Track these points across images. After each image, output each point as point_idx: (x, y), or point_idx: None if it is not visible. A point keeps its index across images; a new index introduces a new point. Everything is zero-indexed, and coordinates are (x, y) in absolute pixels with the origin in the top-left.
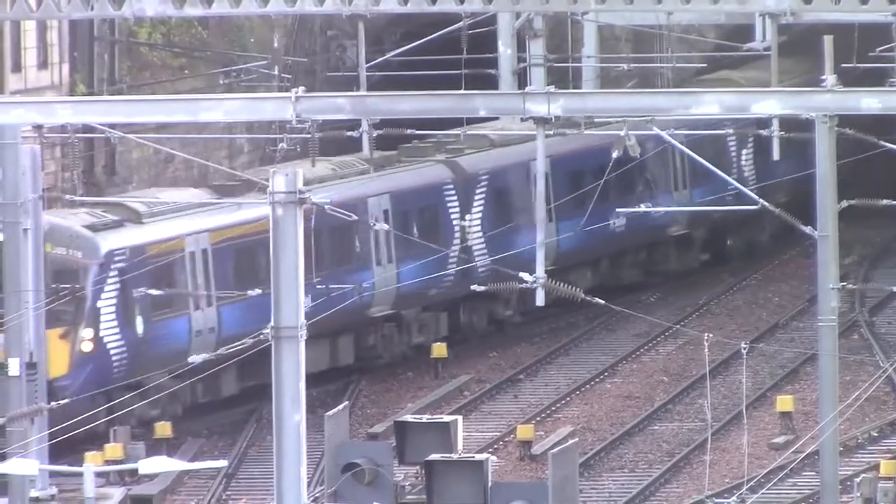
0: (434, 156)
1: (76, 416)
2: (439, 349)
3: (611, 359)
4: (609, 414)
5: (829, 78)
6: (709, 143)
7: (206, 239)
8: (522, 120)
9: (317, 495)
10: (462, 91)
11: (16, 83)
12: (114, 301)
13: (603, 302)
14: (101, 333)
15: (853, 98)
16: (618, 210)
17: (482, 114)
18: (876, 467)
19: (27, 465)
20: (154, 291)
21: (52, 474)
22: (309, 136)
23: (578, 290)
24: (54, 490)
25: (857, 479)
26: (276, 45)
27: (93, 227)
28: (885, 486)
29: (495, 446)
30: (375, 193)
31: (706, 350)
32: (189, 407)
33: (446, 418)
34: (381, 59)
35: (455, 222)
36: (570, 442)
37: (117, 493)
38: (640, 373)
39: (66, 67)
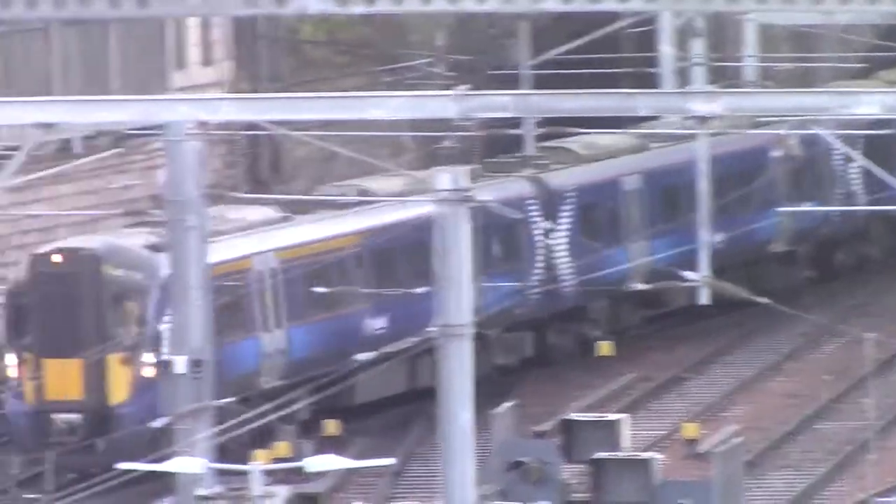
0: (518, 171)
1: (243, 415)
2: (605, 347)
3: (775, 357)
4: (773, 412)
5: None
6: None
7: (273, 259)
8: (684, 119)
9: (484, 493)
10: (624, 90)
11: (180, 80)
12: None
13: (768, 301)
14: (164, 356)
15: None
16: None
17: (643, 113)
18: None
19: (194, 463)
20: (219, 313)
21: (219, 472)
22: (473, 133)
23: (742, 289)
24: (221, 488)
25: None
26: (440, 43)
27: (154, 248)
28: None
29: (661, 444)
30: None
31: (868, 350)
32: (356, 406)
33: (612, 416)
34: (543, 58)
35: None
36: (736, 440)
37: (284, 491)
38: (803, 371)
39: (229, 65)
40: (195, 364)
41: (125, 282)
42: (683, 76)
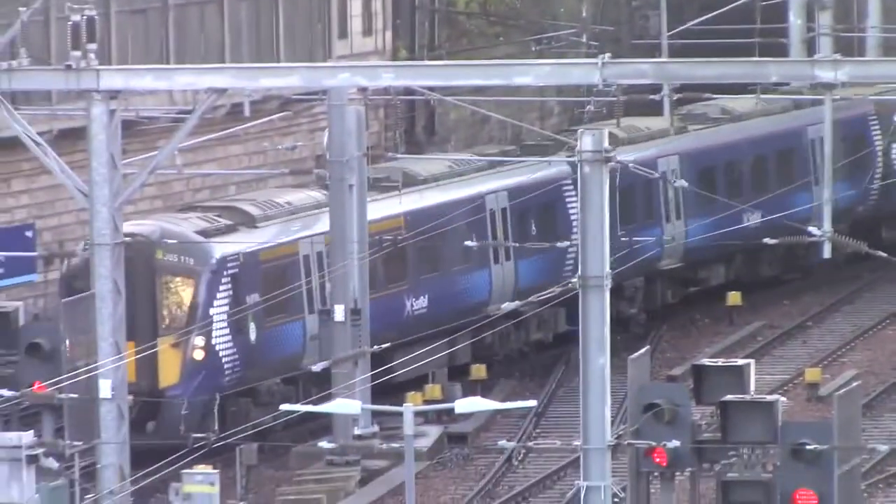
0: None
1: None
2: (734, 297)
3: (891, 307)
4: (890, 358)
5: None
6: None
7: (320, 242)
8: (812, 86)
9: (619, 433)
10: (756, 59)
11: (342, 49)
12: (226, 308)
13: (885, 255)
14: (213, 341)
15: None
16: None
17: (774, 80)
18: None
19: (351, 405)
20: (267, 297)
21: (375, 414)
22: (614, 98)
23: (863, 244)
24: (376, 428)
25: None
26: (584, 14)
27: (205, 233)
28: None
29: (785, 388)
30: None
31: None
32: (502, 352)
33: (740, 362)
34: (681, 28)
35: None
36: (854, 384)
37: (434, 431)
38: None
39: (388, 35)
40: (354, 313)
41: (177, 267)
42: (810, 46)
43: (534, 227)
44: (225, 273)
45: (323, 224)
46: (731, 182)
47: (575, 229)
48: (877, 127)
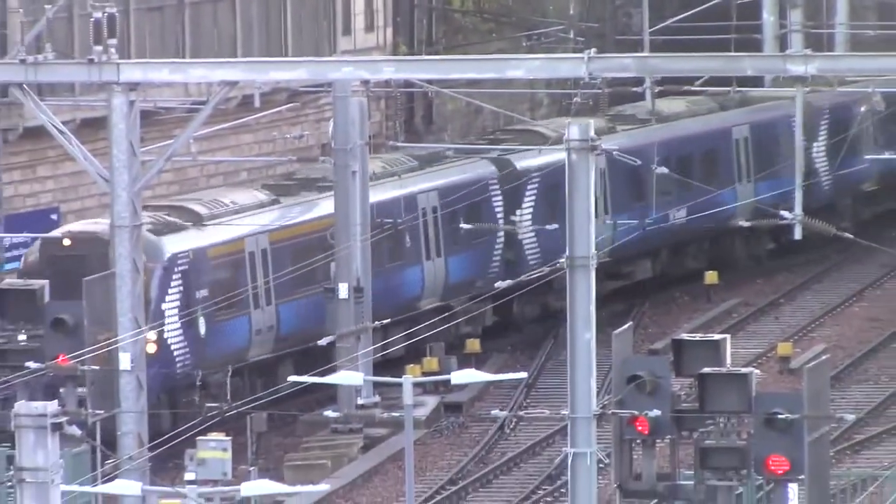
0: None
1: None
2: (711, 276)
3: (858, 286)
4: (857, 333)
5: None
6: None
7: (265, 239)
8: (783, 79)
9: (604, 403)
10: (731, 53)
11: (346, 44)
12: (176, 303)
13: (850, 237)
14: (165, 335)
15: None
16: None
17: (749, 73)
18: None
19: (354, 377)
20: (215, 293)
21: (376, 385)
22: (600, 91)
23: (832, 226)
24: (377, 398)
25: None
26: (571, 12)
27: (156, 231)
28: None
29: (758, 361)
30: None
31: None
32: (492, 327)
33: (716, 337)
34: (661, 25)
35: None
36: (823, 358)
37: (432, 401)
38: (882, 298)
39: (389, 31)
40: (357, 290)
41: None
42: (782, 42)
43: (462, 225)
44: (175, 269)
45: (266, 222)
46: (659, 180)
47: (500, 228)
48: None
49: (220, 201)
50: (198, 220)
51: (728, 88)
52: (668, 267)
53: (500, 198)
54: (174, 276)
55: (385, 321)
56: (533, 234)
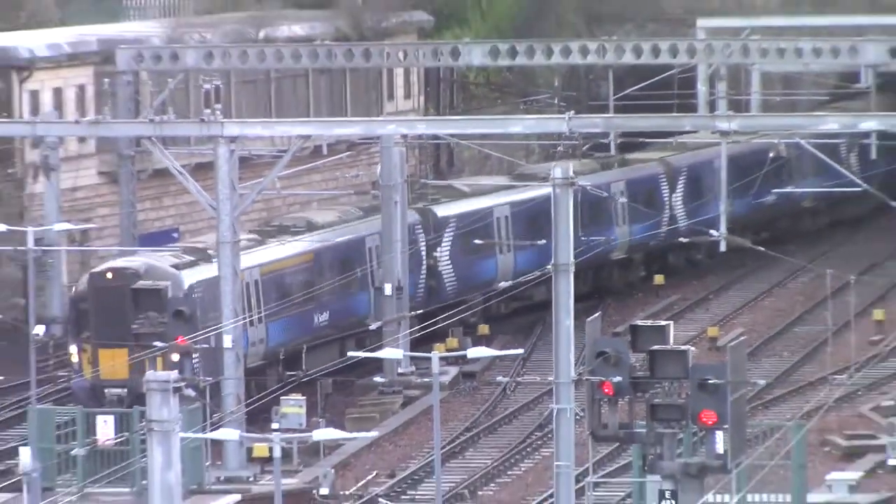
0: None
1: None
2: (659, 279)
3: (767, 285)
4: (766, 320)
5: None
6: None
7: (257, 272)
8: (712, 134)
9: (580, 372)
10: (675, 114)
11: (390, 108)
12: (196, 319)
13: (762, 249)
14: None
15: None
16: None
17: (687, 129)
18: None
19: (395, 352)
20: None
21: (412, 358)
22: (577, 142)
23: (748, 241)
24: (413, 368)
25: None
26: (556, 84)
27: (177, 266)
28: None
29: (694, 341)
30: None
31: (828, 281)
32: (500, 315)
33: (663, 323)
34: (622, 94)
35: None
36: (741, 338)
37: (453, 370)
38: (785, 294)
39: (421, 98)
40: (398, 289)
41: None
42: (712, 105)
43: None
44: (192, 296)
45: (255, 259)
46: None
47: (424, 261)
48: (665, 182)
49: None
50: (206, 258)
51: (670, 140)
52: (627, 273)
53: (423, 239)
54: (193, 302)
55: (419, 311)
56: (450, 266)
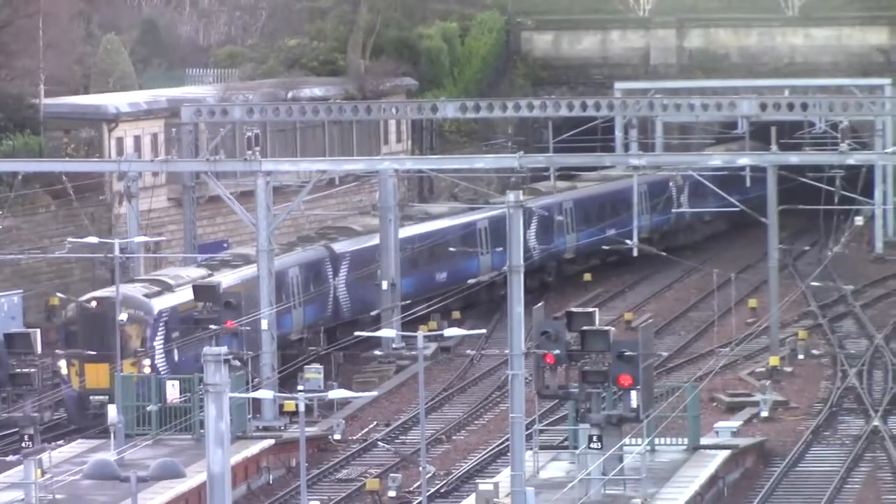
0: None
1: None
2: (587, 276)
3: (669, 280)
4: (668, 307)
5: (773, 147)
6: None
7: (297, 270)
8: (626, 168)
9: (529, 346)
10: (599, 153)
11: (385, 149)
12: (162, 341)
13: (665, 254)
14: (155, 361)
15: (782, 157)
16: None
17: (607, 163)
18: (795, 334)
19: (390, 332)
20: (183, 333)
21: (403, 337)
22: (525, 174)
23: (656, 249)
24: (403, 344)
25: (787, 339)
26: (510, 131)
27: (148, 295)
28: (800, 342)
29: (614, 323)
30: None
31: (714, 278)
32: (467, 305)
33: (590, 309)
34: (559, 138)
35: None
36: (650, 321)
37: (433, 345)
38: (682, 288)
39: (409, 141)
40: (392, 285)
41: (132, 317)
42: (627, 147)
43: (311, 287)
44: (160, 320)
45: (295, 260)
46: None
47: (329, 287)
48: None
49: (180, 276)
50: (168, 288)
51: (599, 171)
52: (565, 271)
53: (330, 269)
54: (160, 324)
55: (406, 301)
56: (346, 291)
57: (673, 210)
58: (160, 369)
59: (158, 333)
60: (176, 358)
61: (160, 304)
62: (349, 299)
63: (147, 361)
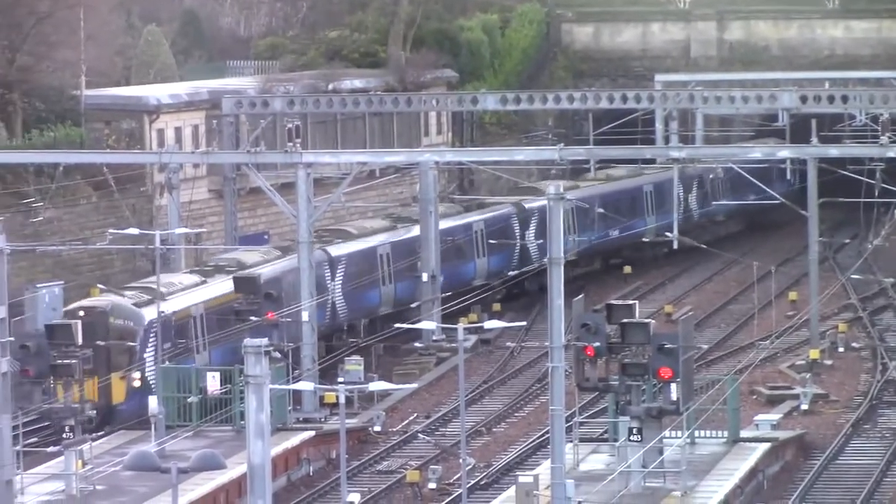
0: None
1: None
2: (627, 269)
3: (709, 273)
4: (708, 300)
5: (814, 139)
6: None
7: (202, 307)
8: (667, 161)
9: (569, 338)
10: (639, 146)
11: (426, 141)
12: (153, 352)
13: (704, 246)
14: (146, 375)
15: (822, 150)
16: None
17: (648, 156)
18: (835, 327)
19: (430, 324)
20: (174, 344)
21: (443, 329)
22: (566, 167)
23: (698, 243)
24: (444, 336)
25: (827, 332)
26: (549, 123)
27: (138, 305)
28: (840, 335)
29: (654, 315)
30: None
31: (754, 271)
32: (505, 297)
33: (630, 302)
34: (599, 130)
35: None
36: (690, 313)
37: (473, 337)
38: (724, 281)
39: (449, 133)
40: (432, 277)
41: (122, 327)
42: (667, 139)
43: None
44: (151, 329)
45: (202, 296)
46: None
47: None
48: (516, 221)
49: (172, 283)
50: (161, 296)
51: (637, 165)
52: (604, 264)
53: (328, 273)
54: (151, 333)
55: (448, 293)
56: (342, 296)
57: (714, 203)
58: (151, 383)
59: (149, 345)
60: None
61: (151, 313)
62: (345, 302)
63: (136, 374)
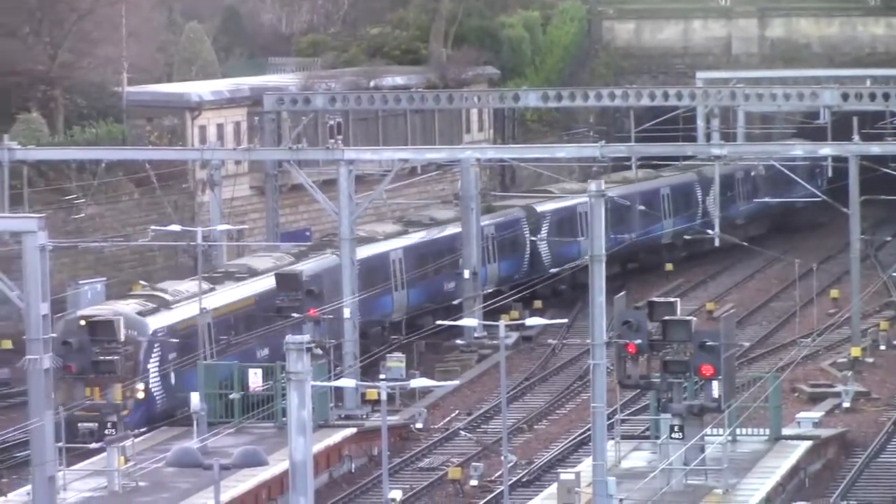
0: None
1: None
2: (669, 266)
3: (751, 270)
4: (750, 297)
5: (856, 137)
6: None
7: (210, 315)
8: (707, 158)
9: (610, 335)
10: (680, 143)
11: (467, 138)
12: (157, 362)
13: (746, 244)
14: (150, 385)
15: (864, 147)
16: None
17: (689, 153)
18: (877, 325)
19: (472, 321)
20: (180, 353)
21: (485, 326)
22: (607, 164)
23: (740, 240)
24: (485, 333)
25: (868, 329)
26: (591, 120)
27: (142, 314)
28: (881, 333)
29: (695, 313)
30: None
31: (796, 268)
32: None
33: (672, 299)
34: (640, 128)
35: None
36: (731, 311)
37: (515, 334)
38: (764, 278)
39: (491, 130)
40: (474, 273)
41: (125, 337)
42: (709, 136)
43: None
44: (155, 339)
45: (212, 303)
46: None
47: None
48: (525, 224)
49: (179, 290)
50: (166, 304)
51: (679, 162)
52: (645, 261)
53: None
54: (155, 343)
55: (487, 290)
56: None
57: (754, 200)
58: (154, 394)
59: (153, 355)
60: (173, 381)
61: (156, 322)
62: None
63: (140, 385)
